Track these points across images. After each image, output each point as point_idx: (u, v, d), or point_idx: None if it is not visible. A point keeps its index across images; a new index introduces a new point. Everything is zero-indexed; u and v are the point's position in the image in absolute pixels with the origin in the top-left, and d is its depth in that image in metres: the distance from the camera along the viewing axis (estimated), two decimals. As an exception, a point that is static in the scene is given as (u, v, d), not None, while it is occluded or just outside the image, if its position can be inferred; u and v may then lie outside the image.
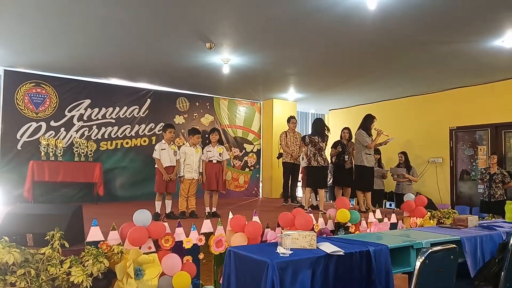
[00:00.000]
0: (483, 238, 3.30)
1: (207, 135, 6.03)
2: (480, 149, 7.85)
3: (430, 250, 2.25)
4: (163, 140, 5.48)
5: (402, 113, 9.19)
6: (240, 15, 4.72)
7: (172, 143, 5.48)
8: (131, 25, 5.01)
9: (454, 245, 2.41)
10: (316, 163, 6.01)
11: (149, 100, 8.49)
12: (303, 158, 7.02)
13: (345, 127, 6.97)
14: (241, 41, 5.62)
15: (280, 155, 7.58)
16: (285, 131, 7.32)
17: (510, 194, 6.97)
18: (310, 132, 6.35)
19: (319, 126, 6.16)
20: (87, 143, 7.49)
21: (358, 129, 6.36)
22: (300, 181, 7.72)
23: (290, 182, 7.35)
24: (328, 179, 9.08)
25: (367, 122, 6.32)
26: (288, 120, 7.33)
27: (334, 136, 7.03)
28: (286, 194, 7.45)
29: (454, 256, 2.39)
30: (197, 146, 5.64)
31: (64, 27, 5.10)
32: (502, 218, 4.58)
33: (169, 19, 4.82)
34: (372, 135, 6.27)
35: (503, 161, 7.30)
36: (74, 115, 7.67)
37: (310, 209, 5.95)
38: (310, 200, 6.64)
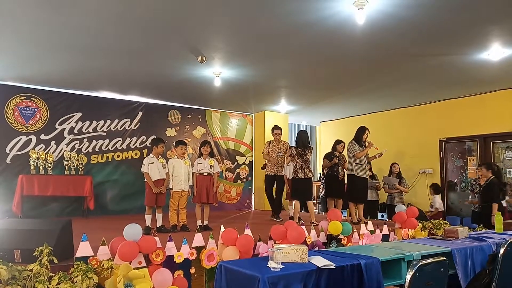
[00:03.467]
0: (474, 249, 3.32)
1: (201, 148, 5.94)
2: (470, 159, 7.94)
3: (420, 263, 2.26)
4: (151, 154, 5.47)
5: (393, 125, 9.29)
6: (232, 29, 4.76)
7: (160, 156, 5.46)
8: (123, 38, 5.03)
9: (444, 258, 2.42)
10: (304, 175, 6.03)
11: (140, 113, 8.47)
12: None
13: (342, 141, 6.95)
14: (233, 54, 5.66)
15: (264, 166, 7.21)
16: (270, 141, 7.12)
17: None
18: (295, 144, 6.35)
19: (304, 138, 6.20)
20: (77, 157, 7.43)
21: (350, 141, 6.42)
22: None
23: (276, 195, 6.97)
24: (321, 191, 9.13)
25: (359, 133, 6.37)
26: (272, 131, 7.05)
27: (325, 147, 7.05)
28: (274, 208, 7.00)
29: (444, 269, 2.40)
30: (185, 158, 5.63)
31: (54, 40, 5.09)
32: (493, 229, 4.62)
33: (161, 33, 4.85)
34: (364, 147, 6.31)
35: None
36: (65, 128, 7.63)
37: (302, 221, 5.95)
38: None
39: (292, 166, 6.28)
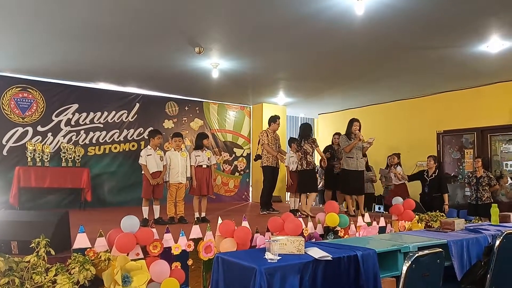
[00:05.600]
0: (470, 241, 3.33)
1: (203, 140, 5.80)
2: (467, 152, 7.96)
3: (417, 255, 2.27)
4: (148, 146, 5.46)
5: (390, 117, 9.28)
6: (229, 20, 4.73)
7: (157, 148, 5.45)
8: (120, 29, 4.99)
9: (441, 249, 2.43)
10: (301, 166, 6.17)
11: (137, 105, 8.44)
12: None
13: (336, 133, 6.96)
14: (230, 45, 5.62)
15: (258, 157, 6.74)
16: (266, 130, 6.69)
17: (498, 197, 7.07)
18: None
19: (302, 131, 6.32)
20: (74, 148, 7.41)
21: (343, 134, 6.39)
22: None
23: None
24: (318, 183, 9.15)
25: (349, 126, 6.28)
26: (275, 120, 6.66)
27: (323, 140, 7.03)
28: (268, 202, 6.79)
29: (441, 260, 2.41)
30: (182, 150, 5.62)
31: (51, 32, 5.05)
32: (489, 221, 4.64)
33: (158, 24, 4.81)
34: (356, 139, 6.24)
35: (489, 164, 7.41)
36: (62, 120, 7.59)
37: (299, 213, 5.96)
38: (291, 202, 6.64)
39: (295, 157, 6.36)
